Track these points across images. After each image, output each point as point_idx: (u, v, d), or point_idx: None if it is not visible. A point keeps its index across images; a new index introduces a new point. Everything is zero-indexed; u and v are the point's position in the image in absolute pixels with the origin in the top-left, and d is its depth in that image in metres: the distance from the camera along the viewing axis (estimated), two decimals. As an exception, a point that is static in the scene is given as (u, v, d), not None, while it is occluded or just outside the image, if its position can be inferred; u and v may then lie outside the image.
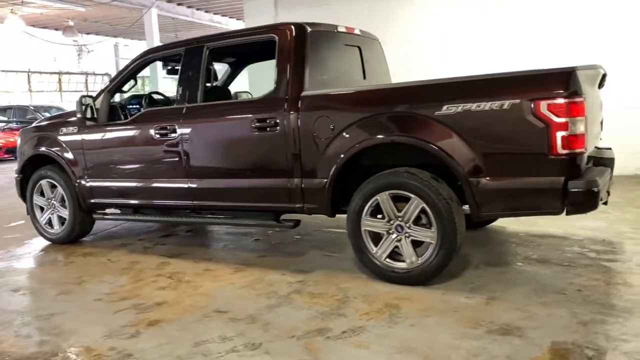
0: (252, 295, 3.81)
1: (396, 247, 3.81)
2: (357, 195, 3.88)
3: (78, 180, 5.27)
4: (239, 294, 3.86)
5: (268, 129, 4.14)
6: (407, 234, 3.76)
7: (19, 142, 5.82)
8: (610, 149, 4.53)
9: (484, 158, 3.46)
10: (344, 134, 3.87)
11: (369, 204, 3.84)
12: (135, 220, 5.37)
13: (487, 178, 3.46)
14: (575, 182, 3.26)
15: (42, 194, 5.62)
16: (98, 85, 29.41)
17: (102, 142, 5.10)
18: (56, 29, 20.74)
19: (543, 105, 3.24)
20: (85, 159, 5.20)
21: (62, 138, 5.34)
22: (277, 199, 4.24)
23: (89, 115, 4.92)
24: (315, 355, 2.88)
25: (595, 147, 4.25)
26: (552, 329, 3.01)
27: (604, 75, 4.17)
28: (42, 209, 5.66)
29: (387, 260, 3.84)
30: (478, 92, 3.50)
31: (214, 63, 4.88)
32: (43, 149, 5.49)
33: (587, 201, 3.27)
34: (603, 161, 4.10)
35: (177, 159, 4.62)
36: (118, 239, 5.77)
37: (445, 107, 3.52)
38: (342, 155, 3.88)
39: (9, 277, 4.66)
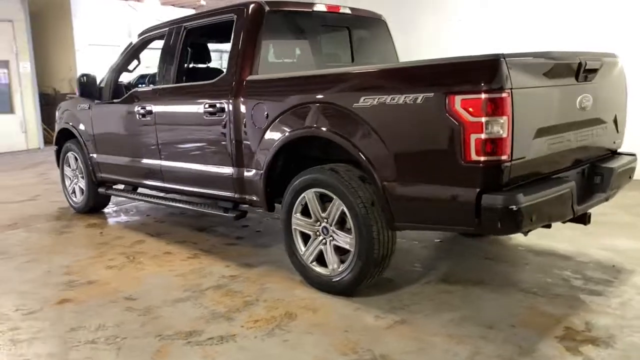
0: (176, 285, 3.71)
1: (322, 250, 3.46)
2: (287, 191, 3.57)
3: (90, 155, 5.53)
4: (165, 282, 3.78)
5: (217, 114, 3.96)
6: (330, 238, 3.38)
7: (56, 114, 6.25)
8: (633, 155, 3.70)
9: (399, 160, 2.97)
10: (277, 123, 3.57)
11: (298, 201, 3.52)
12: (129, 198, 5.52)
13: (401, 183, 2.97)
14: (490, 196, 2.66)
15: (69, 165, 5.99)
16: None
17: (102, 119, 5.29)
18: (193, 9, 22.09)
19: (457, 101, 2.68)
20: (93, 135, 5.43)
21: (78, 114, 5.63)
22: (223, 187, 4.07)
23: (83, 93, 5.12)
24: (155, 360, 2.72)
25: (610, 152, 3.58)
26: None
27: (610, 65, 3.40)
28: (70, 179, 6.04)
29: (313, 264, 3.51)
30: (393, 83, 3.01)
31: (194, 43, 4.78)
32: (66, 123, 5.84)
33: (503, 221, 2.65)
34: (600, 170, 3.34)
35: (152, 139, 4.64)
36: (137, 214, 6.00)
37: (362, 99, 3.07)
38: (273, 146, 3.58)
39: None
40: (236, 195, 3.98)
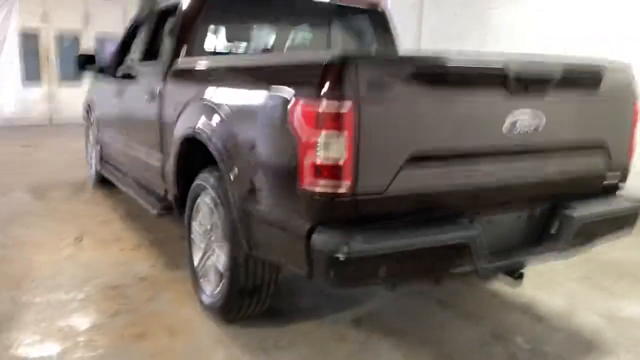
0: (80, 279, 3.45)
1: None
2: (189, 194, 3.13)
3: (98, 128, 5.52)
4: (74, 273, 3.54)
5: (153, 99, 3.61)
6: (214, 254, 2.90)
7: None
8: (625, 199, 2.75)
9: (247, 175, 2.41)
10: (182, 117, 3.12)
11: (194, 206, 3.06)
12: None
13: (249, 204, 2.40)
14: (320, 236, 2.00)
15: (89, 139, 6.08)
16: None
17: (101, 95, 5.22)
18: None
19: (296, 110, 2.05)
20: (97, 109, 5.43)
21: (92, 87, 5.64)
22: (154, 179, 3.72)
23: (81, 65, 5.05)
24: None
25: (602, 190, 2.70)
26: None
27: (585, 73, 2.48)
28: (87, 152, 6.14)
29: (202, 279, 3.04)
30: (250, 82, 2.43)
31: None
32: (87, 95, 5.89)
33: (333, 270, 1.98)
34: (559, 216, 2.48)
35: (117, 121, 4.47)
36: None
37: (224, 96, 2.58)
38: (176, 143, 3.15)
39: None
40: (163, 193, 3.62)
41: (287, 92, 2.12)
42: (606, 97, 2.56)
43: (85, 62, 5.11)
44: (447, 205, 2.22)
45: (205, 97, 2.81)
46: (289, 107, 2.07)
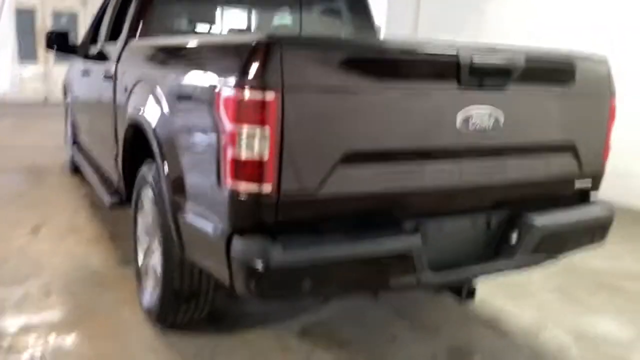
0: (16, 270, 3.29)
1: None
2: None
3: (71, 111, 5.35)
4: (12, 264, 3.39)
5: (108, 81, 3.41)
6: (153, 252, 2.70)
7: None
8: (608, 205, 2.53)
9: (180, 172, 2.20)
10: (129, 100, 2.91)
11: (140, 198, 2.86)
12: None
13: (181, 202, 2.19)
14: (240, 242, 1.80)
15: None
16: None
17: (74, 76, 5.03)
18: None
19: (221, 99, 1.84)
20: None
21: (69, 68, 5.47)
22: (110, 169, 3.52)
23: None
24: None
25: (574, 195, 2.47)
26: None
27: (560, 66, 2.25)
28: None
29: (144, 280, 2.84)
30: (184, 66, 2.23)
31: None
32: (65, 75, 5.73)
33: (254, 281, 1.77)
34: (518, 225, 2.25)
35: (89, 104, 4.26)
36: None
37: (169, 80, 2.33)
38: (125, 129, 2.94)
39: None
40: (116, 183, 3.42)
41: (213, 78, 1.91)
42: (577, 92, 2.33)
43: (57, 40, 4.88)
44: (389, 210, 2.00)
45: (147, 80, 2.61)
46: (213, 95, 1.86)
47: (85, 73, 4.28)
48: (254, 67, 1.70)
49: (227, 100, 1.78)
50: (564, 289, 3.41)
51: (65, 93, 5.88)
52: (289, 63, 1.70)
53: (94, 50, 4.18)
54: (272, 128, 1.71)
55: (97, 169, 4.03)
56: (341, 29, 3.85)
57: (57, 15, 12.49)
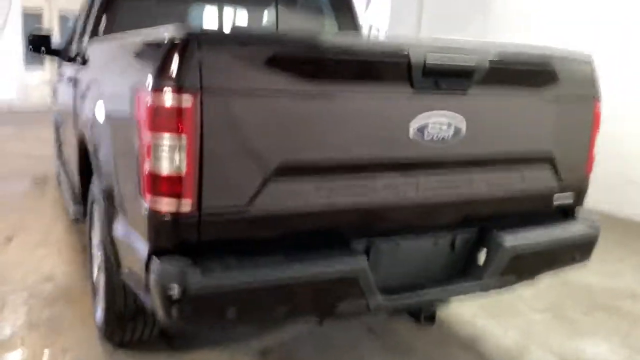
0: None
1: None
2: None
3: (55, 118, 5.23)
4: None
5: (70, 85, 3.27)
6: (100, 269, 2.53)
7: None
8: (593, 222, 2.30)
9: (110, 185, 2.03)
10: (81, 107, 2.75)
11: (92, 210, 2.70)
12: None
13: (114, 221, 2.02)
14: (156, 265, 1.61)
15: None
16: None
17: (57, 80, 4.90)
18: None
19: (138, 105, 1.66)
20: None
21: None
22: (75, 181, 3.36)
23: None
24: None
25: (553, 211, 2.24)
26: None
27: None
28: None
29: (97, 296, 2.67)
30: (118, 67, 2.07)
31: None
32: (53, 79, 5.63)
33: (172, 308, 1.59)
34: (487, 243, 2.04)
35: (64, 110, 4.12)
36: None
37: (104, 85, 2.16)
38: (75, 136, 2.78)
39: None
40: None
41: (132, 81, 1.74)
42: (555, 97, 2.10)
43: (39, 43, 4.74)
44: (334, 229, 1.80)
45: (93, 85, 2.44)
46: (133, 100, 1.69)
47: (61, 78, 4.15)
48: (168, 67, 1.52)
49: (141, 105, 1.60)
50: (555, 308, 3.17)
51: (52, 99, 5.79)
52: (208, 62, 1.52)
53: (71, 52, 4.04)
54: (190, 137, 1.53)
55: (70, 183, 3.89)
56: (319, 26, 3.65)
57: (64, 18, 12.45)
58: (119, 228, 1.93)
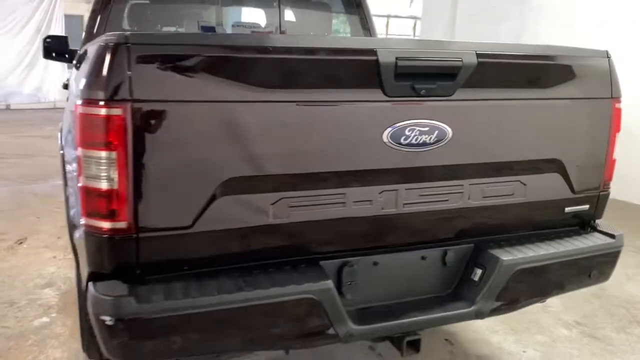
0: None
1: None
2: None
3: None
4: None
5: (66, 90, 3.18)
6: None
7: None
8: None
9: (69, 201, 1.91)
10: (66, 109, 2.64)
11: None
12: None
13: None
14: (91, 289, 1.46)
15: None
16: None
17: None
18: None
19: (74, 117, 1.52)
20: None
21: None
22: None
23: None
24: None
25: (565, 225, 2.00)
26: None
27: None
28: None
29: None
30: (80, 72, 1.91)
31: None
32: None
33: (103, 336, 1.44)
34: (482, 261, 1.81)
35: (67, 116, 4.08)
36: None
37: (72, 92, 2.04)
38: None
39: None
40: None
41: (75, 89, 1.59)
42: (564, 97, 1.83)
43: (56, 47, 4.70)
44: (299, 247, 1.61)
45: (70, 92, 2.33)
46: (76, 112, 1.54)
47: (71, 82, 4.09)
48: (96, 77, 1.37)
49: (75, 117, 1.45)
50: (585, 322, 2.86)
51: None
52: (140, 71, 1.35)
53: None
54: (121, 151, 1.36)
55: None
56: (334, 24, 3.45)
57: (106, 20, 12.64)
58: (74, 245, 1.80)
